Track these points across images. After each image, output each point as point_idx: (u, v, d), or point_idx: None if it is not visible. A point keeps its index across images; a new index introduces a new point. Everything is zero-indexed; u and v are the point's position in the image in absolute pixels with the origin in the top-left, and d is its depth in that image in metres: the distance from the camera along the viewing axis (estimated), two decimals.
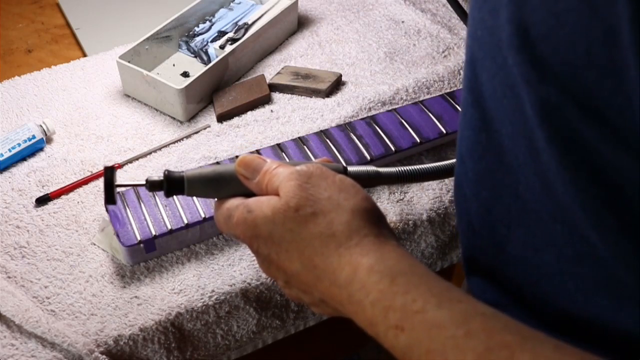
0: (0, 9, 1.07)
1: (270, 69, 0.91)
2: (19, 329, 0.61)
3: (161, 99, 0.83)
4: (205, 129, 0.82)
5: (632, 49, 0.28)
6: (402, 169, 0.55)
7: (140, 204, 0.67)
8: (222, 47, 0.89)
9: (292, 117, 0.83)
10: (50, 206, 0.72)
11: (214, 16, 0.97)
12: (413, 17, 1.00)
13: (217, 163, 0.72)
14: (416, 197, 0.74)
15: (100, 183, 0.75)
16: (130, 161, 0.78)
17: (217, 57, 0.86)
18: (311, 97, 0.86)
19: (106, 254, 0.68)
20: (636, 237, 0.33)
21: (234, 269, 0.67)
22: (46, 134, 0.79)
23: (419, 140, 0.75)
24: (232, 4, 0.99)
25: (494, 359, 0.35)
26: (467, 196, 0.46)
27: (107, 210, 0.67)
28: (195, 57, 0.92)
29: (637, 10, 0.27)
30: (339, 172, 0.49)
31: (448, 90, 0.86)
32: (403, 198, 0.74)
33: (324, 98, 0.86)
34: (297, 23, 0.98)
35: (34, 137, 0.77)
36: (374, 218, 0.46)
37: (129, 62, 0.84)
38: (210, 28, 0.95)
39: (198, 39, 0.93)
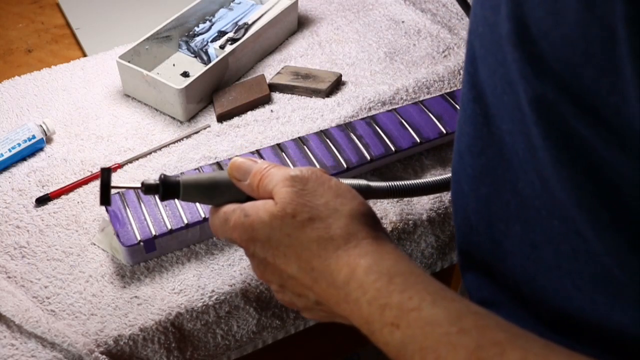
0: (0, 9, 1.07)
1: (270, 69, 0.91)
2: (19, 329, 0.61)
3: (161, 99, 0.83)
4: (205, 129, 0.82)
5: (626, 47, 0.28)
6: (393, 184, 0.56)
7: (140, 204, 0.67)
8: (222, 47, 0.89)
9: (292, 117, 0.83)
10: (50, 206, 0.72)
11: (214, 16, 0.97)
12: (413, 17, 1.00)
13: (217, 163, 0.72)
14: (416, 197, 0.74)
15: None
16: (130, 161, 0.78)
17: (217, 57, 0.86)
18: (311, 97, 0.86)
19: (106, 254, 0.68)
20: (630, 234, 0.33)
21: (234, 269, 0.67)
22: (46, 134, 0.79)
23: (419, 140, 0.75)
24: (232, 4, 0.99)
25: (485, 355, 0.35)
26: (465, 192, 0.46)
27: (107, 210, 0.67)
28: (195, 57, 0.92)
29: (632, 8, 0.28)
30: None
31: (448, 90, 0.86)
32: (403, 198, 0.74)
33: (324, 98, 0.86)
34: (297, 23, 0.98)
35: (34, 137, 0.77)
36: (371, 221, 0.47)
37: (129, 62, 0.84)
38: (210, 28, 0.95)
39: (198, 39, 0.93)
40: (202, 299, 0.64)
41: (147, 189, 0.51)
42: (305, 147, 0.74)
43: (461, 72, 0.89)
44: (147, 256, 0.67)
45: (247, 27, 0.93)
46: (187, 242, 0.68)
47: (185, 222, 0.66)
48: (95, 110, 0.85)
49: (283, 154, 0.74)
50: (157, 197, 0.52)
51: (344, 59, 0.92)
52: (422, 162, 0.78)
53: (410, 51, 0.94)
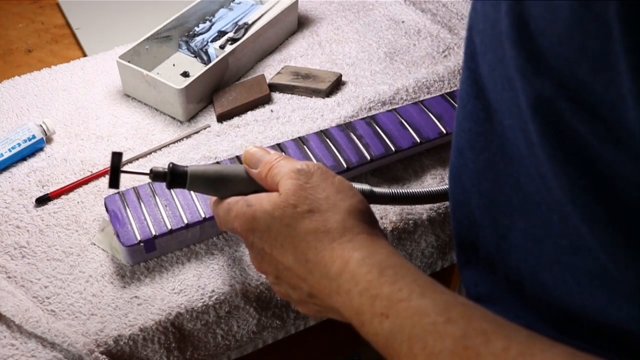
0: (0, 9, 1.07)
1: (270, 69, 0.91)
2: (19, 329, 0.61)
3: (161, 99, 0.83)
4: (205, 128, 0.82)
5: (620, 42, 0.28)
6: (396, 191, 0.59)
7: (140, 203, 0.67)
8: (222, 47, 0.89)
9: (292, 117, 0.83)
10: (50, 206, 0.72)
11: (214, 16, 0.97)
12: (413, 17, 1.00)
13: (217, 163, 0.72)
14: None
15: (100, 183, 0.75)
16: (130, 161, 0.78)
17: (217, 57, 0.86)
18: (311, 97, 0.86)
19: (106, 254, 0.68)
20: (625, 231, 0.34)
21: (234, 269, 0.67)
22: (46, 134, 0.79)
23: (419, 140, 0.75)
24: (232, 4, 0.99)
25: (470, 344, 0.36)
26: (467, 187, 0.47)
27: (107, 210, 0.67)
28: (195, 57, 0.92)
29: (625, 4, 0.28)
30: None
31: (448, 90, 0.86)
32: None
33: (324, 98, 0.86)
34: (297, 23, 0.98)
35: (34, 137, 0.77)
36: (368, 219, 0.48)
37: (129, 62, 0.84)
38: (210, 28, 0.95)
39: (198, 39, 0.93)
40: (202, 299, 0.64)
41: (155, 176, 0.53)
42: (305, 147, 0.74)
43: (461, 72, 0.89)
44: (147, 256, 0.67)
45: (247, 27, 0.93)
46: (187, 242, 0.68)
47: (185, 222, 0.66)
48: (95, 110, 0.85)
49: (283, 153, 0.74)
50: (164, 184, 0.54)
51: (344, 59, 0.92)
52: (422, 162, 0.78)
53: (410, 51, 0.94)
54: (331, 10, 1.02)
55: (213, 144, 0.79)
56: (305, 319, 0.72)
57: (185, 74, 0.90)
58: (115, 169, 0.52)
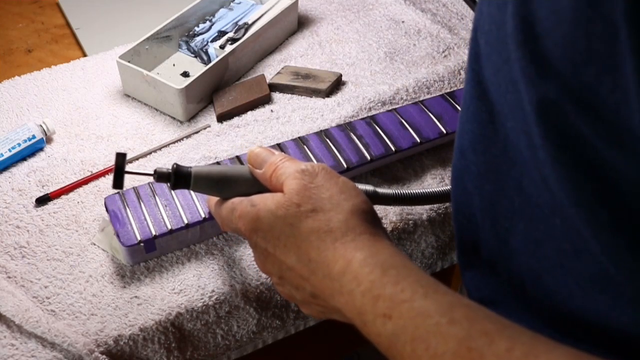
0: (0, 9, 1.07)
1: (270, 69, 0.91)
2: (19, 329, 0.61)
3: (161, 99, 0.83)
4: (205, 128, 0.82)
5: (627, 43, 0.28)
6: (400, 192, 0.59)
7: (140, 203, 0.67)
8: (222, 47, 0.89)
9: (292, 117, 0.83)
10: (50, 206, 0.72)
11: (214, 16, 0.97)
12: (413, 17, 1.00)
13: (218, 163, 0.72)
14: None
15: (100, 183, 0.75)
16: (130, 161, 0.78)
17: (217, 57, 0.86)
18: (311, 97, 0.86)
19: (106, 254, 0.68)
20: (628, 234, 0.34)
21: (234, 269, 0.67)
22: (46, 134, 0.79)
23: (419, 140, 0.75)
24: (232, 4, 0.99)
25: (474, 345, 0.36)
26: (469, 189, 0.47)
27: (107, 210, 0.67)
28: (195, 57, 0.92)
29: (632, 4, 0.28)
30: None
31: (448, 90, 0.86)
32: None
33: (324, 98, 0.86)
34: (297, 23, 0.98)
35: (34, 137, 0.77)
36: (371, 218, 0.48)
37: (129, 62, 0.84)
38: (210, 28, 0.95)
39: (198, 38, 0.93)
40: (202, 299, 0.64)
41: (159, 176, 0.53)
42: (305, 147, 0.74)
43: (461, 72, 0.89)
44: (147, 256, 0.67)
45: (247, 27, 0.93)
46: (187, 242, 0.68)
47: (185, 222, 0.66)
48: (95, 110, 0.85)
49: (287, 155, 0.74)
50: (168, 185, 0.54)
51: (344, 59, 0.92)
52: (422, 162, 0.78)
53: (410, 51, 0.94)
54: (331, 10, 1.02)
55: (213, 144, 0.79)
56: (305, 319, 0.72)
57: (185, 74, 0.90)
58: (120, 169, 0.52)
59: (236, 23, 0.95)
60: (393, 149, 0.74)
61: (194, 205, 0.67)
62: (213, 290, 0.65)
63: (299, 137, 0.75)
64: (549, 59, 0.33)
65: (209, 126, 0.83)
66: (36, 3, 1.08)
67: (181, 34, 0.93)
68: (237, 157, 0.72)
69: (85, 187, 0.74)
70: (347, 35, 0.97)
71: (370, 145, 0.74)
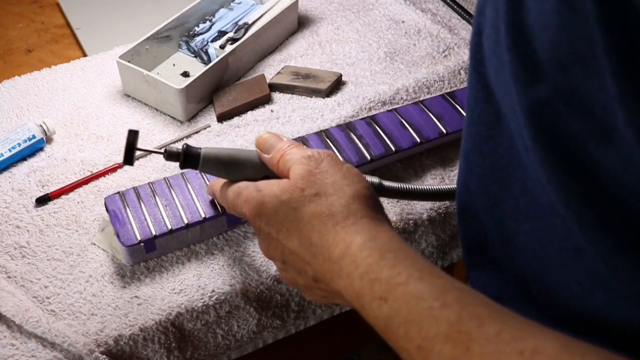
0: (0, 9, 1.07)
1: (270, 69, 0.91)
2: (19, 329, 0.61)
3: (161, 98, 0.83)
4: (205, 128, 0.82)
5: (601, 45, 0.29)
6: (405, 185, 0.59)
7: (140, 203, 0.67)
8: (222, 47, 0.89)
9: (292, 117, 0.83)
10: (50, 206, 0.72)
11: (214, 16, 0.97)
12: (413, 17, 1.00)
13: None
14: None
15: (100, 183, 0.75)
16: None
17: (217, 57, 0.86)
18: (311, 97, 0.86)
19: (106, 254, 0.68)
20: (615, 234, 0.34)
21: (234, 269, 0.67)
22: (46, 134, 0.79)
23: (419, 140, 0.75)
24: (232, 4, 0.99)
25: (464, 328, 0.37)
26: (473, 190, 0.47)
27: (107, 210, 0.67)
28: (195, 57, 0.92)
29: (601, 7, 0.28)
30: None
31: (448, 90, 0.86)
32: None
33: (324, 98, 0.86)
34: (297, 23, 0.98)
35: (34, 137, 0.77)
36: (372, 204, 0.49)
37: (129, 62, 0.84)
38: (210, 28, 0.95)
39: (198, 38, 0.93)
40: (202, 299, 0.64)
41: (169, 155, 0.56)
42: (305, 146, 0.74)
43: (462, 72, 0.89)
44: (147, 256, 0.67)
45: (247, 27, 0.93)
46: (187, 242, 0.68)
47: (185, 222, 0.66)
48: (95, 110, 0.85)
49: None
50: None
51: (344, 59, 0.92)
52: (422, 162, 0.78)
53: (410, 51, 0.94)
54: (331, 10, 1.02)
55: (213, 144, 0.79)
56: (306, 319, 0.72)
57: (185, 74, 0.90)
58: (131, 146, 0.55)
59: (236, 23, 0.95)
60: (393, 149, 0.74)
61: (194, 205, 0.67)
62: (213, 290, 0.65)
63: (299, 137, 0.75)
64: (539, 62, 0.33)
65: (209, 126, 0.83)
66: (36, 3, 1.08)
67: (181, 34, 0.93)
68: None
69: (85, 187, 0.74)
70: (347, 35, 0.97)
71: (370, 145, 0.74)
